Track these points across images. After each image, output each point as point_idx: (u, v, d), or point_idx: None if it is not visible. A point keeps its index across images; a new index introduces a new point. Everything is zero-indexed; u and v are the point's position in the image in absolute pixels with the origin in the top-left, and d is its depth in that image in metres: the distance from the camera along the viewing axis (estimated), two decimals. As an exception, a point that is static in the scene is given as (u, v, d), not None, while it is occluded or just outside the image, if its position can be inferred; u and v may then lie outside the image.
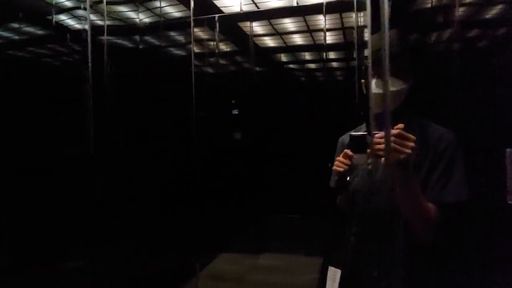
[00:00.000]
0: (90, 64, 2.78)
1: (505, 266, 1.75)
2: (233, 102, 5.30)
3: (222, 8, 4.24)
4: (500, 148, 1.66)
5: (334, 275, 1.20)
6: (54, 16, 3.74)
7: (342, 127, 1.38)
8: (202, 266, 3.89)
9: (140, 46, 4.27)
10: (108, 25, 3.28)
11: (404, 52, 1.08)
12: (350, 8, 3.04)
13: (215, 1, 4.10)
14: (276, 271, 3.76)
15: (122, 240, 3.43)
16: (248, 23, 4.76)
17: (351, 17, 4.65)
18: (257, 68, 5.46)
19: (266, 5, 4.20)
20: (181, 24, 4.60)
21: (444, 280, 1.08)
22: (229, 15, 4.10)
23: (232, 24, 4.71)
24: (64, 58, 4.28)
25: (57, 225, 3.59)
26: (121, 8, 4.04)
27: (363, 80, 1.21)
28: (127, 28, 4.08)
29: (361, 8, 2.69)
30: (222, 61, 4.77)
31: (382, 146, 0.92)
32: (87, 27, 2.87)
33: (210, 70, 4.66)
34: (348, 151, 1.07)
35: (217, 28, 3.82)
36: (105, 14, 3.15)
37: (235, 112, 5.33)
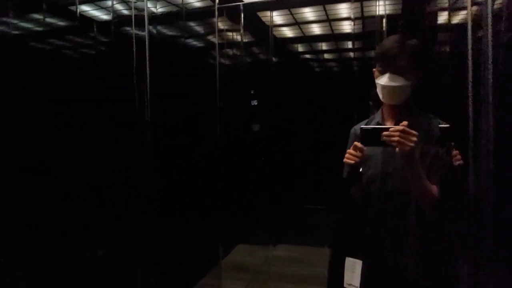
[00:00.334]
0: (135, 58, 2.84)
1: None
2: (252, 92, 5.25)
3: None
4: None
5: (353, 265, 1.25)
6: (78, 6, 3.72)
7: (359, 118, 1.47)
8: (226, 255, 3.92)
9: (161, 36, 4.23)
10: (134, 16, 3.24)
11: (404, 53, 1.18)
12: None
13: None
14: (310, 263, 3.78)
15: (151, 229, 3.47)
16: (268, 13, 4.69)
17: (372, 5, 4.59)
18: (274, 59, 5.40)
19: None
20: (200, 14, 4.55)
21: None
22: (251, 3, 4.03)
23: (251, 14, 4.65)
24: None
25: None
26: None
27: (374, 69, 1.27)
28: (148, 18, 4.03)
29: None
30: (240, 52, 4.71)
31: (396, 138, 1.07)
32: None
33: (228, 61, 4.61)
34: (358, 144, 1.15)
35: (242, 16, 3.76)
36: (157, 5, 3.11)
37: (254, 103, 5.27)
